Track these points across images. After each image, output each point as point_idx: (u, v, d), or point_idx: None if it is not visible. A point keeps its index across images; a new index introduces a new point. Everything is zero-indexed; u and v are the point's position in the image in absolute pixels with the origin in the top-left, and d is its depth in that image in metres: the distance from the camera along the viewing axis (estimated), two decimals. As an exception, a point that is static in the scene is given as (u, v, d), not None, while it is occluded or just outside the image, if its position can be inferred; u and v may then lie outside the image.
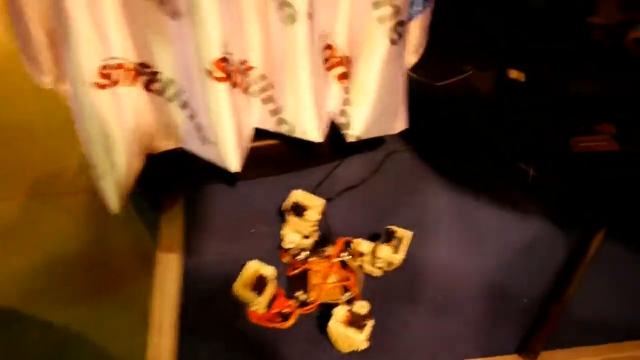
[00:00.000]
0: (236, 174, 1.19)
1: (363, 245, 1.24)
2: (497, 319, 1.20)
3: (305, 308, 1.19)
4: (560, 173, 1.41)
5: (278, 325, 1.17)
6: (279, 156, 1.41)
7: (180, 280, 1.27)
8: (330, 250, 1.28)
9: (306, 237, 1.27)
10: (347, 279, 1.23)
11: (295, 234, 1.27)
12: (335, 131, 1.32)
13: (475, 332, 1.18)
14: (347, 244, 1.26)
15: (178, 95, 1.14)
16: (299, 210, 1.25)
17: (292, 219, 1.26)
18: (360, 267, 1.25)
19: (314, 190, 1.39)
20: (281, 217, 1.31)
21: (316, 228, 1.28)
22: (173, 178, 1.43)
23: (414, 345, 1.16)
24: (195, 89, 1.08)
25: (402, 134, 1.43)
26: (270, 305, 1.18)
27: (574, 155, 1.42)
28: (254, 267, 1.15)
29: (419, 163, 1.46)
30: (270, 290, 1.15)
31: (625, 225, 1.33)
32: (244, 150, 1.21)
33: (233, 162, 1.18)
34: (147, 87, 1.14)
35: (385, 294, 1.23)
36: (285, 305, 1.18)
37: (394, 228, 1.24)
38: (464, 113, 1.55)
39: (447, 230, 1.35)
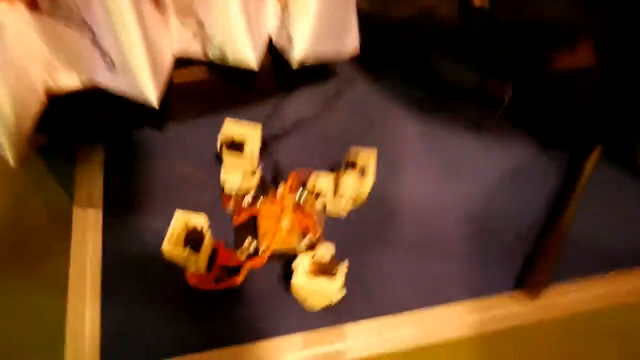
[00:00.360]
0: (164, 115, 1.02)
1: (321, 180, 1.03)
2: (487, 256, 1.02)
3: (256, 259, 0.97)
4: (538, 95, 1.22)
5: (225, 285, 0.94)
6: (212, 91, 1.19)
7: (101, 241, 1.02)
8: (281, 189, 1.05)
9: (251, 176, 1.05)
10: (305, 221, 1.01)
11: (236, 174, 1.04)
12: (277, 61, 1.11)
13: (464, 273, 1.01)
14: (302, 185, 1.04)
15: (72, 14, 0.90)
16: (235, 145, 1.02)
17: (229, 158, 1.03)
18: (322, 210, 1.04)
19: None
20: (220, 162, 1.07)
21: (258, 163, 1.06)
22: (89, 124, 1.18)
23: (397, 294, 0.97)
24: (94, 5, 0.86)
25: (357, 66, 1.26)
26: (211, 263, 0.95)
27: (552, 74, 1.25)
28: (182, 220, 0.90)
29: (380, 93, 1.25)
30: (207, 243, 0.91)
31: (611, 143, 1.16)
32: (162, 81, 0.97)
33: (149, 94, 0.95)
34: (32, 6, 0.90)
35: (355, 238, 1.03)
36: (231, 259, 0.95)
37: (355, 149, 1.03)
38: (427, 44, 1.35)
39: (420, 163, 1.16)
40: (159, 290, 0.96)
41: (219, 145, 1.01)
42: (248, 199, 1.03)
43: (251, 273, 0.98)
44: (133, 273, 0.98)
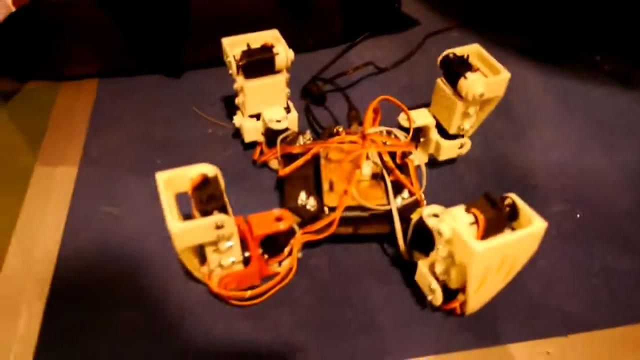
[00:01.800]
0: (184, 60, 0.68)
1: (418, 113, 0.64)
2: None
3: (318, 224, 0.55)
4: None
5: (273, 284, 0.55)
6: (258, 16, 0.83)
7: (66, 221, 0.64)
8: (355, 128, 0.67)
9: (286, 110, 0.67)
10: (400, 165, 0.61)
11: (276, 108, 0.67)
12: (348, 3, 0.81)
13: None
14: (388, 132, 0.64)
15: None
16: (265, 64, 0.63)
17: (254, 83, 0.64)
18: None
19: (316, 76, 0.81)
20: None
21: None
22: (79, 54, 0.82)
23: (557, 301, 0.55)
24: None
25: (444, 11, 0.96)
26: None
27: None
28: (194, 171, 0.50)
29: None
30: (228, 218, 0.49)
31: None
32: None
33: None
34: None
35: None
36: (267, 228, 0.54)
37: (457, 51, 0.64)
38: None
39: (554, 123, 0.76)
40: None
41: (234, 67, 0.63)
42: (304, 138, 0.64)
43: (309, 255, 0.59)
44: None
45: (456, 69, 0.61)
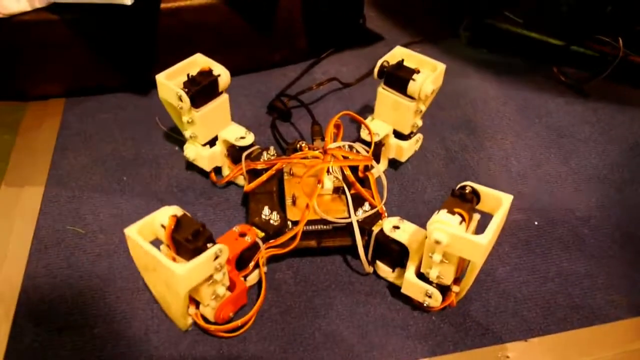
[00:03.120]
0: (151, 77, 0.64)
1: (375, 124, 0.68)
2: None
3: (282, 238, 0.57)
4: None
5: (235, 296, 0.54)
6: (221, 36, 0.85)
7: (32, 240, 0.65)
8: (318, 143, 0.69)
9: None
10: (361, 179, 0.63)
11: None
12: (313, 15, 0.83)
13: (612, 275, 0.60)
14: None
15: None
16: (210, 89, 0.64)
17: (204, 110, 0.65)
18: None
19: (282, 93, 0.83)
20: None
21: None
22: (46, 73, 0.83)
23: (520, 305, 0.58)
24: None
25: (412, 25, 1.00)
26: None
27: None
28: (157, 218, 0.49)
29: (446, 57, 0.91)
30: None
31: None
32: None
33: None
34: None
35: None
36: (233, 246, 0.55)
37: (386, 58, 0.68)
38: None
39: (513, 133, 0.79)
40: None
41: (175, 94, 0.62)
42: (268, 154, 0.65)
43: (275, 269, 0.61)
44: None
45: (400, 74, 0.64)
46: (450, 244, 0.47)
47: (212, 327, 0.53)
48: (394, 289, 0.58)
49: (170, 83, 0.61)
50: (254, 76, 0.88)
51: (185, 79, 0.62)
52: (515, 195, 0.68)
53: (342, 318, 0.56)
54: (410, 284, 0.54)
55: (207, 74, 0.63)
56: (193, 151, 0.66)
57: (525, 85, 0.89)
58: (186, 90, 0.60)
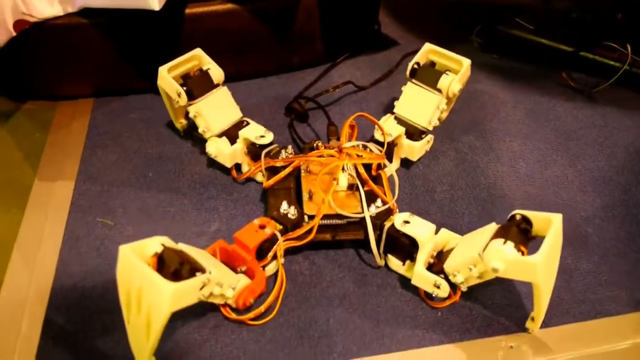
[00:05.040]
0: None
1: (388, 124, 0.72)
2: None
3: (299, 231, 0.61)
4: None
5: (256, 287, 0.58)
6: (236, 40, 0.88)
7: (64, 232, 0.69)
8: (333, 142, 0.72)
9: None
10: (374, 176, 0.67)
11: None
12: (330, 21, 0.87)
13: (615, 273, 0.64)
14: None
15: None
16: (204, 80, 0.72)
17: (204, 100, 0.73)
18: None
19: (297, 98, 0.87)
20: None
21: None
22: (76, 75, 0.87)
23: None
24: None
25: (425, 31, 1.03)
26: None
27: None
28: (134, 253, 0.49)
29: None
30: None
31: None
32: None
33: None
34: None
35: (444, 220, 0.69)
36: (250, 239, 0.59)
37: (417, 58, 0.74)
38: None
39: (522, 136, 0.82)
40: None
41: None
42: (286, 152, 0.69)
43: (291, 261, 0.64)
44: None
45: (433, 70, 0.73)
46: (506, 269, 0.50)
47: (241, 317, 0.57)
48: (404, 282, 0.61)
49: (170, 78, 0.69)
50: (273, 79, 0.92)
51: (184, 71, 0.70)
52: (522, 196, 0.72)
53: (354, 308, 0.60)
54: (420, 276, 0.57)
55: (199, 70, 0.71)
56: (214, 148, 0.70)
57: (534, 90, 0.92)
58: (184, 86, 0.68)
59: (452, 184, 0.75)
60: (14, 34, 0.78)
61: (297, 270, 0.63)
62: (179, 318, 0.57)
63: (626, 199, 0.73)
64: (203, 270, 0.50)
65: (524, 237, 0.53)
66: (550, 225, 0.52)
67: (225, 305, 0.57)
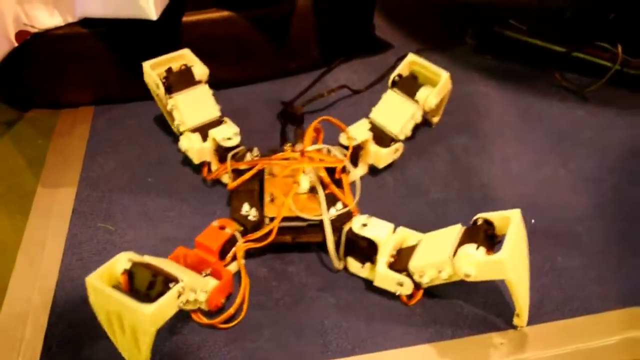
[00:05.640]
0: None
1: (358, 129, 0.74)
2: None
3: (259, 233, 0.63)
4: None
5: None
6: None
7: (67, 236, 0.71)
8: (299, 146, 0.74)
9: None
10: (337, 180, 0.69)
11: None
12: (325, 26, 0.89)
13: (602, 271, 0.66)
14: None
15: None
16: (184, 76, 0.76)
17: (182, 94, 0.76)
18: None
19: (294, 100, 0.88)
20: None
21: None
22: (77, 83, 0.90)
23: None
24: None
25: (420, 33, 1.04)
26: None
27: None
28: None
29: (450, 64, 0.95)
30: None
31: None
32: None
33: (148, 6, 0.72)
34: None
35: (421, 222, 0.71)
36: (212, 239, 0.62)
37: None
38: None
39: (515, 137, 0.83)
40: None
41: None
42: (251, 154, 0.71)
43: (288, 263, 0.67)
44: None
45: (414, 82, 0.75)
46: (477, 273, 0.52)
47: (211, 321, 0.58)
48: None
49: (152, 72, 0.72)
50: (269, 84, 0.94)
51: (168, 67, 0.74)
52: (515, 196, 0.73)
53: (349, 307, 0.61)
54: (383, 276, 0.59)
55: (183, 66, 0.74)
56: (186, 143, 0.73)
57: (527, 90, 0.93)
58: (163, 80, 0.72)
59: (445, 185, 0.76)
60: (16, 44, 0.79)
61: (293, 272, 0.65)
62: (176, 320, 0.59)
63: (617, 198, 0.74)
64: (176, 280, 0.51)
65: (491, 241, 0.55)
66: (509, 222, 0.54)
67: (197, 310, 0.58)
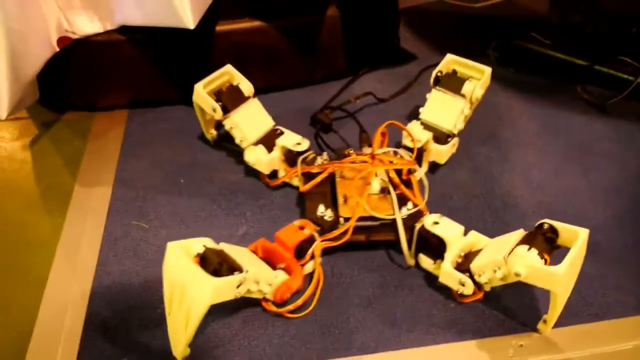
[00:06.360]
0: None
1: (416, 131, 0.77)
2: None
3: (335, 232, 0.66)
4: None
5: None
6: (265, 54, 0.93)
7: (103, 233, 0.75)
8: (366, 149, 0.77)
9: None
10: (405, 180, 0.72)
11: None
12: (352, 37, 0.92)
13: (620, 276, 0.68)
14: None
15: None
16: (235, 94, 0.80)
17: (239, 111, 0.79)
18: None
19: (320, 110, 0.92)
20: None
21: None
22: (112, 87, 0.94)
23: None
24: None
25: (444, 45, 1.04)
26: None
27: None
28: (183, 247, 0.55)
29: None
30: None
31: None
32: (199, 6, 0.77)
33: (183, 11, 0.75)
34: None
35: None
36: (289, 238, 0.64)
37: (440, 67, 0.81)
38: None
39: (536, 147, 0.86)
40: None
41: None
42: (321, 158, 0.75)
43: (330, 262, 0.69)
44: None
45: (457, 77, 0.78)
46: (528, 275, 0.54)
47: (279, 310, 0.62)
48: (420, 284, 0.65)
49: (205, 94, 0.75)
50: (298, 92, 0.97)
51: (217, 87, 0.76)
52: (535, 204, 0.75)
53: (373, 307, 0.64)
54: (447, 274, 0.61)
55: (230, 85, 0.77)
56: (253, 156, 0.75)
57: (549, 103, 0.95)
58: (218, 102, 0.75)
59: (467, 192, 0.78)
60: (57, 49, 0.83)
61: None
62: (209, 315, 0.61)
63: (635, 208, 0.76)
64: (240, 270, 0.55)
65: (549, 245, 0.57)
66: (576, 238, 0.56)
67: (266, 299, 0.62)
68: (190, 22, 0.74)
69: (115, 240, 0.72)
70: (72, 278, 0.68)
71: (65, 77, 0.91)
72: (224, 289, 0.53)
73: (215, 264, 0.54)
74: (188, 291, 0.51)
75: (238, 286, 0.54)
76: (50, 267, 0.69)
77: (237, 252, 0.58)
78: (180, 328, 0.53)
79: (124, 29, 0.85)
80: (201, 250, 0.55)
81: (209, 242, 0.56)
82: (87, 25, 0.84)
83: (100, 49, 0.87)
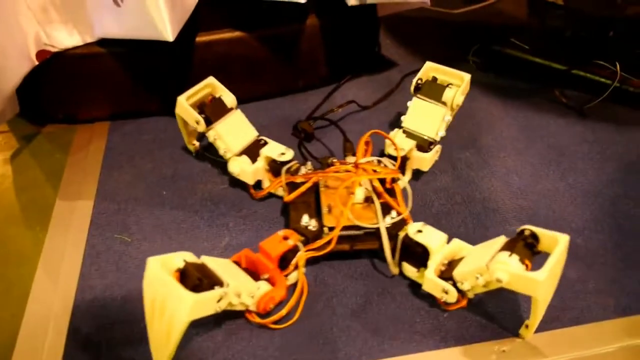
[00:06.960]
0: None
1: (399, 139, 0.78)
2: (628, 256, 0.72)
3: (320, 242, 0.66)
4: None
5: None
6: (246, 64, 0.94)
7: (85, 247, 0.75)
8: (349, 158, 0.77)
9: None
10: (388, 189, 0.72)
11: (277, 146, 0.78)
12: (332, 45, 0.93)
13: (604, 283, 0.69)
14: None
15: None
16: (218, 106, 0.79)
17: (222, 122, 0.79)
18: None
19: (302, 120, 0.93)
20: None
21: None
22: (93, 100, 0.94)
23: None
24: None
25: (424, 51, 1.07)
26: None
27: None
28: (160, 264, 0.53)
29: None
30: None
31: None
32: (179, 14, 0.78)
33: (162, 24, 0.75)
34: None
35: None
36: (273, 249, 0.65)
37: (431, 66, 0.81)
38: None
39: (516, 151, 0.87)
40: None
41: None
42: (305, 168, 0.75)
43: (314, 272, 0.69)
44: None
45: (437, 84, 0.78)
46: (509, 281, 0.54)
47: (263, 321, 0.62)
48: (403, 292, 0.66)
49: (188, 106, 0.75)
50: (279, 101, 0.97)
51: (200, 99, 0.77)
52: (515, 209, 0.76)
53: (357, 315, 0.64)
54: (430, 282, 0.61)
55: (213, 98, 0.78)
56: (237, 167, 0.75)
57: (528, 107, 0.96)
58: (201, 114, 0.75)
59: (449, 198, 0.79)
60: (37, 63, 0.83)
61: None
62: (193, 327, 0.62)
63: (614, 210, 0.77)
64: (221, 284, 0.55)
65: (530, 251, 0.58)
66: (556, 244, 0.56)
67: (249, 311, 0.62)
68: (169, 35, 0.74)
69: (97, 254, 0.71)
70: (54, 293, 0.67)
71: (46, 90, 0.90)
72: (204, 304, 0.53)
73: (195, 280, 0.53)
74: (168, 307, 0.51)
75: (219, 300, 0.54)
76: (32, 281, 0.69)
77: (218, 265, 0.58)
78: (162, 344, 0.52)
79: (103, 42, 0.85)
80: (181, 265, 0.54)
81: (190, 257, 0.56)
82: (66, 38, 0.83)
83: (80, 61, 0.87)
